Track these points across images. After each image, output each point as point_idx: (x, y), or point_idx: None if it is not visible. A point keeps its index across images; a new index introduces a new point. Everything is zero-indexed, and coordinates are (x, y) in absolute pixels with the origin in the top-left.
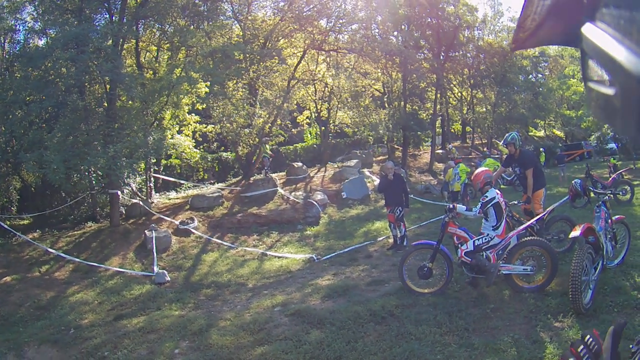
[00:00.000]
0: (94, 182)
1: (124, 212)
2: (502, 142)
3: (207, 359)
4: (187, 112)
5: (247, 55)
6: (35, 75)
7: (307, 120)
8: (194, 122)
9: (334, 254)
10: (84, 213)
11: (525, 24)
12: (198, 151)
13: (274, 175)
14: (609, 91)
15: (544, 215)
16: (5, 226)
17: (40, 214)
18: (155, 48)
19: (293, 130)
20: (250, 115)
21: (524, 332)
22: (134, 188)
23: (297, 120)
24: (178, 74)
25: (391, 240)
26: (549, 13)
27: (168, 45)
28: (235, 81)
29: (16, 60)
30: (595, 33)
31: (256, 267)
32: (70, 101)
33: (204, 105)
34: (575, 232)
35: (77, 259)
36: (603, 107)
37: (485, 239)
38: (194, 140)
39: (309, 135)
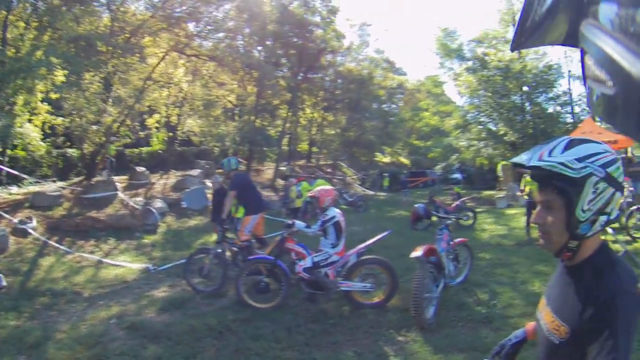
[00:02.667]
0: None
1: None
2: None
3: None
4: (40, 101)
5: (110, 48)
6: None
7: (157, 124)
8: (45, 112)
9: (170, 265)
10: None
11: (526, 24)
12: (45, 144)
13: (116, 178)
14: (609, 91)
15: (356, 251)
16: None
17: None
18: (24, 25)
19: (141, 133)
20: (101, 112)
21: (366, 346)
22: None
23: (146, 123)
24: (39, 57)
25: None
26: (549, 13)
27: (37, 23)
28: (93, 74)
29: None
30: (595, 33)
31: (92, 275)
32: None
33: (58, 95)
34: (417, 253)
35: None
36: (603, 106)
37: (324, 255)
38: (42, 133)
39: (155, 140)
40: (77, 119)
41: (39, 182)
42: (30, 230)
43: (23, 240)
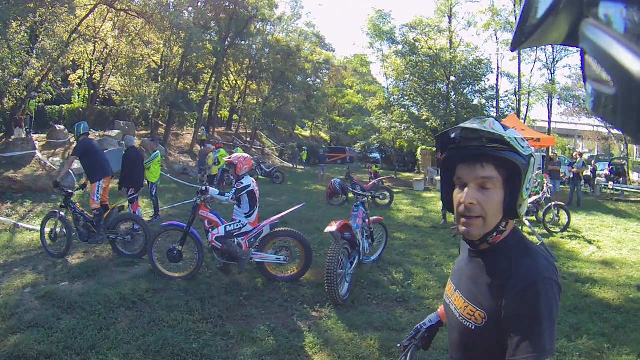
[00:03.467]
0: None
1: None
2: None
3: None
4: None
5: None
6: None
7: (79, 80)
8: None
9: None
10: None
11: (526, 24)
12: None
13: (34, 136)
14: (609, 91)
15: (270, 221)
16: None
17: None
18: None
19: (63, 89)
20: (24, 64)
21: (280, 321)
22: None
23: (69, 79)
24: None
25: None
26: (549, 12)
27: None
28: (19, 22)
29: None
30: (595, 32)
31: (8, 240)
32: None
33: None
34: (332, 227)
35: None
36: (603, 106)
37: (237, 225)
38: None
39: (76, 97)
40: None
41: None
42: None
43: None
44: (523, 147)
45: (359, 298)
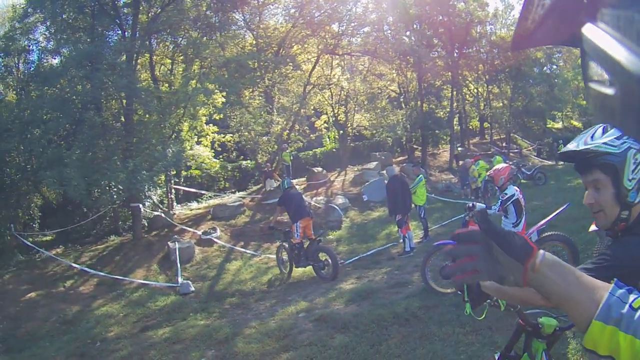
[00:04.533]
0: (114, 196)
1: (146, 224)
2: None
3: None
4: (205, 123)
5: (261, 64)
6: (51, 93)
7: (325, 124)
8: (212, 132)
9: (356, 258)
10: (106, 227)
11: (525, 23)
12: (217, 161)
13: (294, 181)
14: (609, 91)
15: (537, 228)
16: (28, 243)
17: (62, 230)
18: (170, 61)
19: (311, 135)
20: (267, 123)
21: None
22: (155, 200)
23: (315, 125)
24: (193, 86)
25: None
26: (549, 13)
27: (182, 57)
28: (251, 90)
29: (31, 80)
30: (595, 33)
31: (279, 274)
32: (87, 118)
33: (221, 116)
34: (594, 226)
35: (101, 273)
36: (603, 107)
37: None
38: (213, 151)
39: (327, 140)
40: (246, 133)
41: (218, 196)
42: (215, 239)
43: (208, 249)
44: (615, 147)
45: None
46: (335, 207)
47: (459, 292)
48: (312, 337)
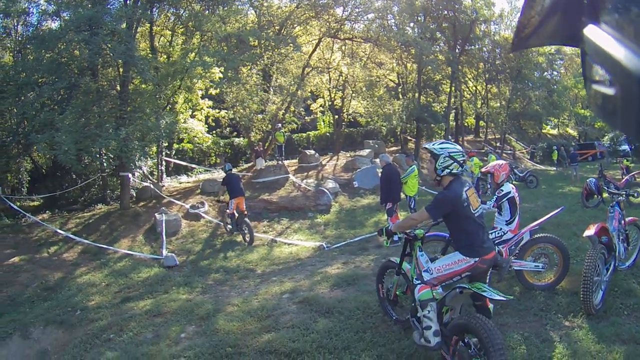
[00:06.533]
0: (105, 164)
1: (134, 195)
2: None
3: (212, 344)
4: (201, 97)
5: (262, 42)
6: (48, 57)
7: (321, 108)
8: (207, 107)
9: (344, 243)
10: (94, 195)
11: (526, 23)
12: (210, 136)
13: (286, 162)
14: (609, 91)
15: (529, 228)
16: (15, 207)
17: (50, 195)
18: (170, 32)
19: (306, 118)
20: (264, 102)
21: (533, 330)
22: (145, 171)
23: (311, 108)
24: (192, 58)
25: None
26: (550, 13)
27: (182, 29)
28: (249, 67)
29: (29, 43)
30: (595, 33)
31: (265, 254)
32: (82, 83)
33: (218, 91)
34: (590, 231)
35: (85, 241)
36: (603, 107)
37: (498, 233)
38: (206, 125)
39: (322, 124)
40: (241, 110)
41: (209, 171)
42: (202, 214)
43: (195, 223)
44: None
45: (612, 308)
46: (326, 190)
47: (378, 235)
48: (295, 319)
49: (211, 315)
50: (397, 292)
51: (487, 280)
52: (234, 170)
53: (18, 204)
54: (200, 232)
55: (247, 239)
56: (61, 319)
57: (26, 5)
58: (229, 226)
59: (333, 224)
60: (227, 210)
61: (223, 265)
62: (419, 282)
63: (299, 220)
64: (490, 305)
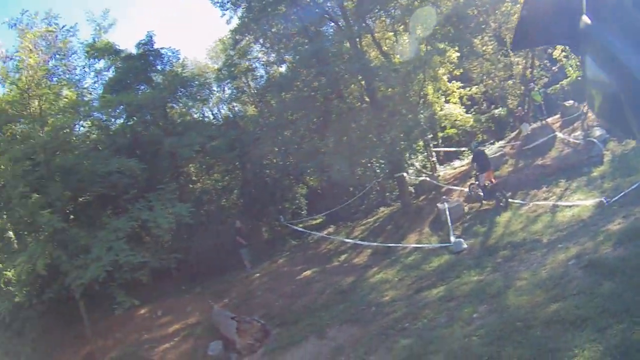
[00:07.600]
0: (377, 170)
1: (413, 191)
2: None
3: (502, 321)
4: (448, 81)
5: (479, 9)
6: (290, 97)
7: (564, 53)
8: (458, 89)
9: (621, 194)
10: (374, 201)
11: (526, 24)
12: (470, 116)
13: (549, 120)
14: (609, 90)
15: None
16: (299, 228)
17: (330, 211)
18: (392, 34)
19: (553, 68)
20: (507, 66)
21: None
22: (418, 166)
23: (553, 57)
24: (424, 50)
25: None
26: (550, 13)
27: (402, 26)
28: (480, 37)
29: (266, 91)
30: (594, 33)
31: (549, 221)
32: (332, 107)
33: (461, 70)
34: None
35: (373, 243)
36: (603, 106)
37: None
38: (463, 106)
39: (570, 69)
40: (489, 82)
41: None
42: (480, 193)
43: (475, 205)
44: None
45: None
46: (595, 140)
47: None
48: (580, 284)
49: (501, 292)
50: None
51: None
52: (496, 145)
53: (301, 225)
54: (483, 213)
55: (503, 204)
56: (356, 317)
57: (247, 63)
58: (480, 193)
59: (609, 174)
60: (477, 183)
61: (510, 240)
62: None
63: (575, 178)
64: None
